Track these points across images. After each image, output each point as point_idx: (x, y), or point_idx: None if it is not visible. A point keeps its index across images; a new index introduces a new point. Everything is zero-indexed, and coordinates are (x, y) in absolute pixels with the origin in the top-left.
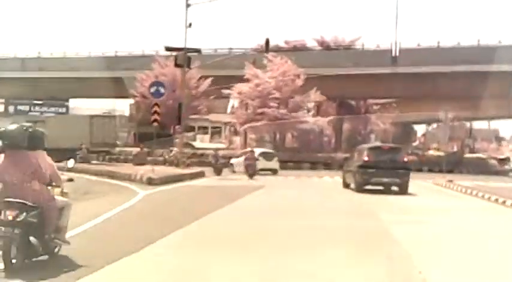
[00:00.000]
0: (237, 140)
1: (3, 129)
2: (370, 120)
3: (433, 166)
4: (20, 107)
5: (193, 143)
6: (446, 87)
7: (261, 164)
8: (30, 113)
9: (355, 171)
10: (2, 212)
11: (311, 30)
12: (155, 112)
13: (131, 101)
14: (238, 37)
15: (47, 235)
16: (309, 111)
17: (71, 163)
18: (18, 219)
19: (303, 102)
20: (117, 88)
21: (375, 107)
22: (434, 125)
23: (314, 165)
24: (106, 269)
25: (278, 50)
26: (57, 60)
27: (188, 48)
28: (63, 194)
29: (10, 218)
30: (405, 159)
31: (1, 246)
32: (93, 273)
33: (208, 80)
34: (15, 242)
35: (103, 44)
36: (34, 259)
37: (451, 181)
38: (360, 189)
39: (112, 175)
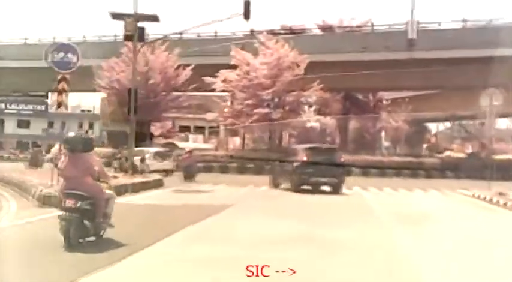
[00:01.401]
0: (236, 140)
1: (66, 137)
2: (379, 117)
3: (453, 169)
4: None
5: (179, 144)
6: (474, 77)
7: (156, 165)
8: (6, 111)
9: (293, 171)
10: (63, 200)
11: (313, 16)
12: (61, 91)
13: (103, 94)
14: (226, 22)
15: (97, 219)
16: (310, 106)
17: None
18: (76, 206)
19: (302, 96)
20: (86, 80)
21: (385, 102)
22: (448, 124)
23: None
24: None
25: (272, 33)
26: (17, 47)
27: (139, 14)
28: (109, 188)
29: (70, 205)
30: (342, 160)
31: (63, 226)
32: None
33: (189, 69)
34: (74, 224)
35: (69, 29)
36: (87, 239)
37: (503, 194)
38: (297, 189)
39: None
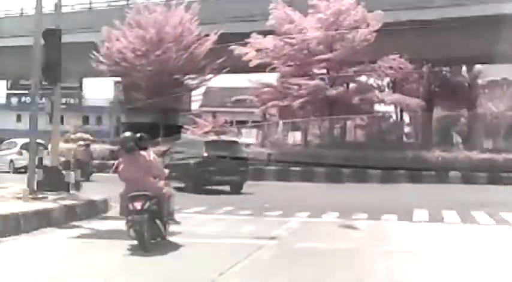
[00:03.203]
0: (297, 135)
1: (123, 136)
2: (476, 102)
3: None
4: (24, 98)
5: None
6: None
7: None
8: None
9: (192, 169)
10: (130, 204)
11: None
12: None
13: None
14: None
15: (165, 218)
16: (380, 89)
17: None
18: (145, 208)
19: (372, 71)
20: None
21: (480, 82)
22: None
23: (388, 174)
24: None
25: None
26: (13, 21)
27: None
28: (166, 184)
29: (139, 207)
30: (245, 155)
31: (138, 230)
32: None
33: (214, 37)
34: (146, 226)
35: None
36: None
37: None
38: (198, 190)
39: None
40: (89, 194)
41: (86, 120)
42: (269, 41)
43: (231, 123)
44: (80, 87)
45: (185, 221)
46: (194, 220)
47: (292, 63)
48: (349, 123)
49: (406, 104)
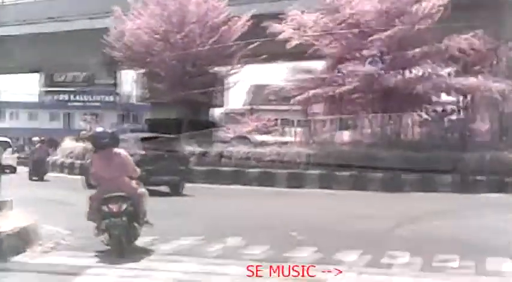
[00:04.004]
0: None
1: (94, 133)
2: None
3: None
4: (58, 96)
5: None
6: None
7: None
8: (71, 104)
9: None
10: (104, 206)
11: None
12: None
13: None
14: None
15: (141, 220)
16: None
17: None
18: (122, 210)
19: (438, 53)
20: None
21: None
22: None
23: (463, 180)
24: None
25: None
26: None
27: None
28: (138, 184)
29: (115, 209)
30: (186, 152)
31: (115, 235)
32: None
33: (245, 17)
34: (125, 229)
35: None
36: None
37: None
38: None
39: None
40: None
41: (122, 118)
42: (309, 17)
43: (275, 121)
44: (115, 83)
45: None
46: None
47: (337, 45)
48: (405, 118)
49: (489, 88)
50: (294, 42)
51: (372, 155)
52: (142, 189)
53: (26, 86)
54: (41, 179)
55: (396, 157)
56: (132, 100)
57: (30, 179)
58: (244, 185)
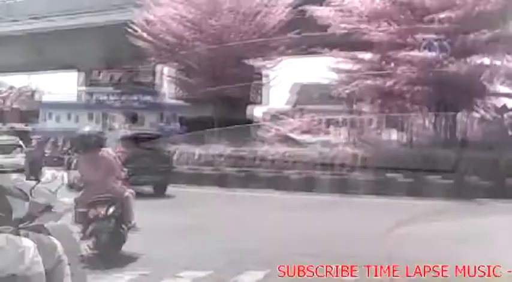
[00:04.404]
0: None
1: (80, 133)
2: None
3: None
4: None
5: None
6: None
7: None
8: (108, 104)
9: None
10: (91, 209)
11: None
12: None
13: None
14: None
15: (129, 223)
16: None
17: None
18: (109, 213)
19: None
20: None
21: None
22: None
23: None
24: None
25: None
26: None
27: None
28: (125, 185)
29: (103, 212)
30: (167, 151)
31: (102, 239)
32: None
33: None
34: (112, 234)
35: None
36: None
37: None
38: None
39: None
40: None
41: (161, 118)
42: None
43: (320, 121)
44: (154, 82)
45: None
46: None
47: (388, 29)
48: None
49: None
50: (337, 27)
51: (429, 156)
52: (129, 191)
53: (65, 85)
54: (37, 179)
55: (459, 158)
56: (169, 99)
57: (28, 179)
58: (283, 190)
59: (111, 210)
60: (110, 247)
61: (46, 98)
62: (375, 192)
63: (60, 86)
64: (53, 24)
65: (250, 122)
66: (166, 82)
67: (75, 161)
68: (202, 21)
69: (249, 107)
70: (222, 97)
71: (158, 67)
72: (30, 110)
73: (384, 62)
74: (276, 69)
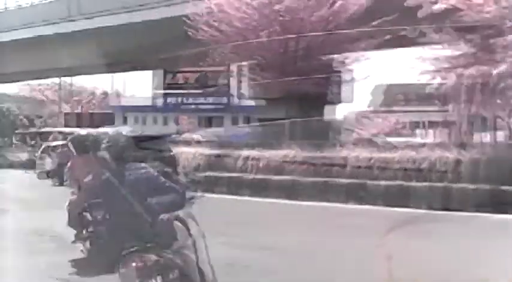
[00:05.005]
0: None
1: (76, 136)
2: None
3: None
4: (171, 99)
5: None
6: None
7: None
8: (183, 107)
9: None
10: (85, 215)
11: None
12: None
13: None
14: None
15: None
16: None
17: None
18: (106, 217)
19: None
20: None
21: None
22: None
23: None
24: None
25: None
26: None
27: None
28: None
29: (99, 216)
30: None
31: (99, 244)
32: None
33: None
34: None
35: None
36: None
37: None
38: None
39: None
40: None
41: (236, 120)
42: None
43: (404, 123)
44: (228, 84)
45: None
46: None
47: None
48: None
49: None
50: (427, 8)
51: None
52: None
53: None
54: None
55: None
56: (242, 101)
57: (54, 184)
58: (364, 203)
59: (107, 214)
60: (106, 252)
61: (122, 101)
62: (486, 208)
63: (135, 87)
64: (119, 21)
65: (327, 122)
66: (241, 82)
67: (69, 164)
68: (266, 5)
69: (326, 108)
70: (296, 96)
71: (232, 67)
72: (105, 113)
73: (487, 46)
74: (357, 65)
